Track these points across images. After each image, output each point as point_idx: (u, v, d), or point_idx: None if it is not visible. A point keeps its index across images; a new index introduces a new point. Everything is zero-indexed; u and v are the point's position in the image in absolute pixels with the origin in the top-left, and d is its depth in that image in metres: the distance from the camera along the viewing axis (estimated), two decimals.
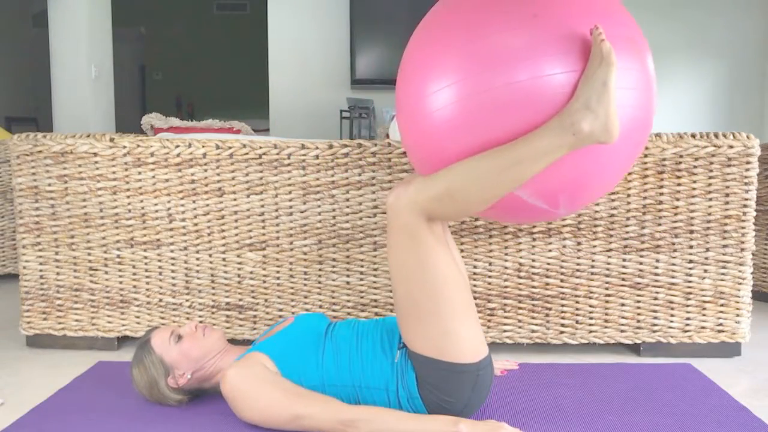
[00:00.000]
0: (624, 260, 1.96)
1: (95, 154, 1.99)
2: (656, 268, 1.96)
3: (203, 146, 1.96)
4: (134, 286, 2.04)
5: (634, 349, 2.04)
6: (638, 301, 1.97)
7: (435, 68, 1.31)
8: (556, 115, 1.23)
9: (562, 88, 1.24)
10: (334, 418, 1.38)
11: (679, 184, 1.93)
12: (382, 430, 1.35)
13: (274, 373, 1.47)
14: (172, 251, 2.02)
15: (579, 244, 1.96)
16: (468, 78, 1.26)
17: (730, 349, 2.00)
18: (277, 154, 1.96)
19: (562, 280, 1.97)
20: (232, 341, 2.02)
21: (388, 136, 2.06)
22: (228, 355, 1.59)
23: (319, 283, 2.01)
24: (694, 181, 1.93)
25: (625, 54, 1.28)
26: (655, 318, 1.98)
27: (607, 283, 1.97)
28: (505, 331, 2.00)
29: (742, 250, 1.95)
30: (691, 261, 1.96)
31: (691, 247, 1.95)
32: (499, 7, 1.29)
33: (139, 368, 1.57)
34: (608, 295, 1.98)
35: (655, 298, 1.97)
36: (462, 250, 1.97)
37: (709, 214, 1.94)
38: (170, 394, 1.57)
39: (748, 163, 1.91)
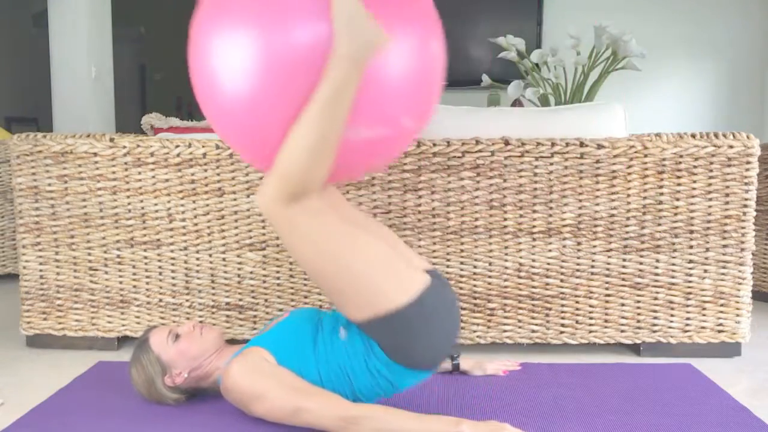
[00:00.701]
0: (624, 260, 1.96)
1: (95, 154, 1.99)
2: (656, 268, 1.96)
3: (203, 146, 1.96)
4: (134, 286, 2.04)
5: (634, 349, 2.04)
6: (638, 301, 1.97)
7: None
8: (331, 55, 1.24)
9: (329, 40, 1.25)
10: (335, 414, 1.38)
11: (679, 184, 1.93)
12: (383, 428, 1.35)
13: (274, 365, 1.47)
14: (172, 251, 2.02)
15: (579, 244, 1.96)
16: (259, 31, 1.26)
17: (730, 349, 2.00)
18: None
19: (562, 280, 1.97)
20: (233, 341, 2.02)
21: None
22: (225, 354, 1.60)
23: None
24: (694, 181, 1.93)
25: None
26: (655, 318, 1.98)
27: (607, 283, 1.97)
28: (505, 331, 2.00)
29: (742, 250, 1.95)
30: (691, 261, 1.96)
31: (691, 247, 1.95)
32: None
33: (137, 367, 1.57)
34: (608, 295, 1.98)
35: (655, 298, 1.97)
36: (462, 250, 1.97)
37: (709, 214, 1.94)
38: (167, 393, 1.57)
39: (748, 163, 1.91)
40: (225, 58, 1.28)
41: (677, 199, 1.93)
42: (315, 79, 1.26)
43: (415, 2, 1.37)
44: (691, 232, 1.95)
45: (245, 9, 1.27)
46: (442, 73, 1.42)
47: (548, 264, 1.97)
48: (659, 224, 1.95)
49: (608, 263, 1.96)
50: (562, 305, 1.98)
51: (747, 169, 1.92)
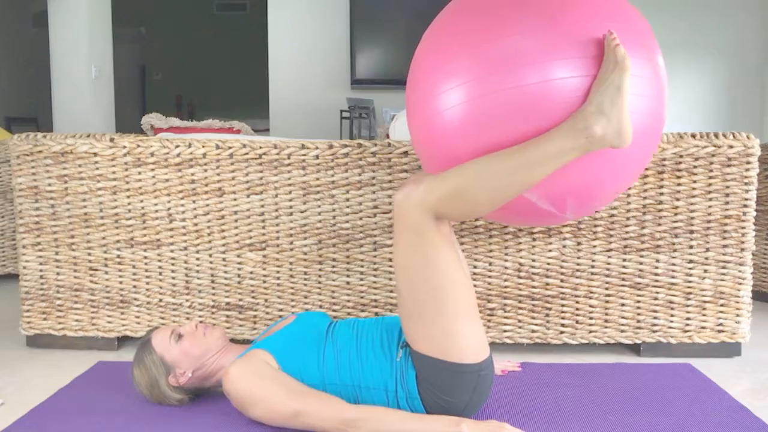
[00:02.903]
0: (624, 260, 1.96)
1: (95, 154, 1.99)
2: (656, 268, 1.96)
3: (203, 146, 1.96)
4: (134, 286, 2.04)
5: (634, 349, 2.04)
6: (638, 301, 1.97)
7: (446, 67, 1.31)
8: (569, 118, 1.23)
9: (575, 92, 1.24)
10: (335, 417, 1.38)
11: (679, 184, 1.93)
12: (383, 430, 1.35)
13: (276, 370, 1.47)
14: (172, 251, 2.02)
15: (579, 244, 1.96)
16: (479, 78, 1.26)
17: (730, 349, 2.00)
18: (277, 154, 1.96)
19: (562, 280, 1.97)
20: (232, 341, 2.02)
21: (388, 136, 2.06)
22: (228, 353, 1.59)
23: (319, 283, 2.01)
24: (694, 181, 1.93)
25: (639, 61, 1.27)
26: (655, 318, 1.98)
27: (607, 283, 1.97)
28: (505, 331, 2.00)
29: (742, 250, 1.95)
30: (691, 261, 1.96)
31: (691, 247, 1.95)
32: (516, 10, 1.29)
33: (140, 368, 1.57)
34: (608, 295, 1.98)
35: (655, 298, 1.97)
36: (462, 250, 1.96)
37: (709, 214, 1.94)
38: (171, 393, 1.57)
39: (748, 163, 1.91)
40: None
41: (677, 199, 1.93)
42: (535, 128, 1.25)
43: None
44: (691, 232, 1.95)
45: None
46: (624, 189, 1.44)
47: (548, 264, 1.97)
48: (659, 224, 1.95)
49: (608, 263, 1.96)
50: (562, 305, 1.98)
51: (747, 169, 1.92)
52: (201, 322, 2.04)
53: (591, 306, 1.98)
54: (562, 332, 1.99)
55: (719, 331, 1.98)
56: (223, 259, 2.01)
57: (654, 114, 1.32)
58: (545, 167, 1.24)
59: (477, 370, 1.41)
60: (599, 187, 1.35)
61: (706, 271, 1.96)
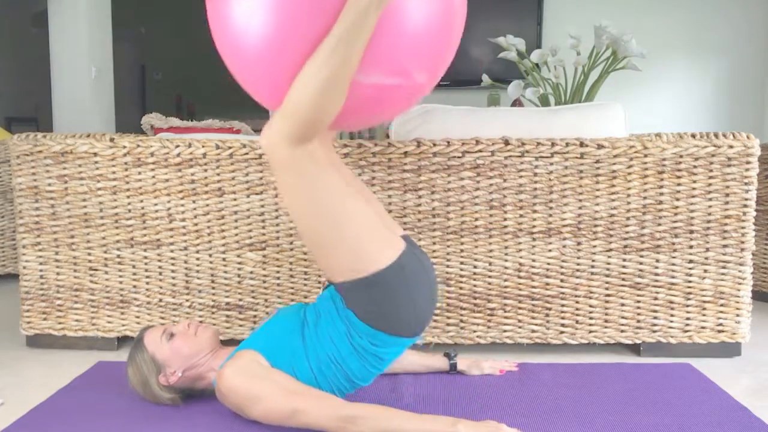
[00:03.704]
0: (624, 260, 1.96)
1: (95, 154, 1.99)
2: (656, 268, 1.96)
3: (203, 146, 1.96)
4: (134, 286, 2.04)
5: (634, 349, 2.04)
6: (638, 301, 1.97)
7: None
8: None
9: None
10: (332, 415, 1.38)
11: (679, 184, 1.93)
12: (381, 427, 1.35)
13: (267, 368, 1.47)
14: (172, 251, 2.02)
15: (579, 244, 1.96)
16: None
17: (730, 349, 2.00)
18: None
19: (562, 280, 1.97)
20: (232, 341, 2.02)
21: (388, 136, 2.05)
22: (220, 355, 1.59)
23: (319, 283, 2.01)
24: (694, 181, 1.93)
25: None
26: (655, 318, 1.98)
27: (607, 283, 1.97)
28: (505, 331, 2.00)
29: (742, 250, 1.95)
30: (691, 261, 1.96)
31: (691, 247, 1.95)
32: None
33: (132, 366, 1.58)
34: (608, 295, 1.98)
35: (655, 298, 1.97)
36: (462, 250, 1.97)
37: (709, 214, 1.94)
38: (161, 392, 1.57)
39: (748, 163, 1.91)
40: None
41: (677, 199, 1.93)
42: (332, 17, 1.24)
43: None
44: (691, 232, 1.95)
45: None
46: (461, 28, 1.41)
47: (548, 264, 1.97)
48: (659, 224, 1.95)
49: (608, 263, 1.96)
50: (562, 305, 1.98)
51: (747, 169, 1.92)
52: (201, 322, 2.03)
53: (591, 306, 1.98)
54: (562, 332, 1.99)
55: (719, 331, 1.98)
56: (223, 259, 2.01)
57: None
58: (357, 40, 1.23)
59: (398, 267, 1.40)
60: (414, 34, 1.31)
61: (706, 271, 1.96)
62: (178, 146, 1.97)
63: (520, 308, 1.99)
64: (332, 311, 1.48)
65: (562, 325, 1.99)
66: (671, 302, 1.97)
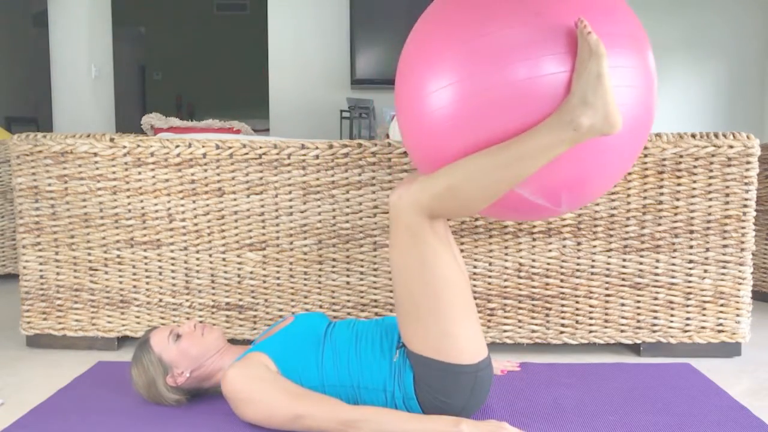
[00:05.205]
0: (624, 260, 1.96)
1: (95, 154, 1.99)
2: (656, 268, 1.96)
3: (203, 146, 1.96)
4: (134, 286, 2.04)
5: (634, 349, 2.04)
6: (638, 301, 1.97)
7: (435, 66, 1.31)
8: (555, 112, 1.23)
9: (563, 86, 1.24)
10: (334, 418, 1.38)
11: (679, 184, 1.93)
12: (383, 430, 1.35)
13: (275, 373, 1.47)
14: (172, 251, 2.02)
15: (579, 244, 1.96)
16: (468, 76, 1.26)
17: (730, 349, 2.00)
18: (277, 154, 1.96)
19: (562, 280, 1.97)
20: (232, 341, 2.02)
21: (388, 136, 2.06)
22: (227, 354, 1.59)
23: (319, 283, 2.01)
24: (694, 181, 1.93)
25: (624, 51, 1.28)
26: (655, 318, 1.98)
27: (607, 283, 1.97)
28: (505, 331, 2.00)
29: (742, 250, 1.95)
30: (691, 261, 1.96)
31: (691, 247, 1.95)
32: (501, 5, 1.29)
33: (138, 368, 1.57)
34: (608, 295, 1.98)
35: (655, 298, 1.97)
36: (462, 250, 1.96)
37: (709, 214, 1.94)
38: (168, 393, 1.57)
39: (748, 163, 1.91)
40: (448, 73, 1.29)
41: (677, 199, 1.93)
42: (524, 123, 1.24)
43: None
44: (691, 232, 1.95)
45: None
46: (617, 179, 1.43)
47: (548, 264, 1.97)
48: (659, 224, 1.95)
49: (608, 263, 1.96)
50: (562, 305, 1.98)
51: (747, 169, 1.92)
52: (201, 322, 2.04)
53: (591, 306, 1.98)
54: (562, 332, 1.99)
55: (719, 331, 1.98)
56: (223, 259, 2.01)
57: (643, 104, 1.32)
58: (535, 161, 1.24)
59: (474, 371, 1.41)
60: (591, 179, 1.35)
61: (706, 271, 1.96)
62: (178, 146, 1.97)
63: (520, 308, 1.99)
64: (384, 347, 1.48)
65: (562, 325, 1.99)
66: (671, 302, 1.97)
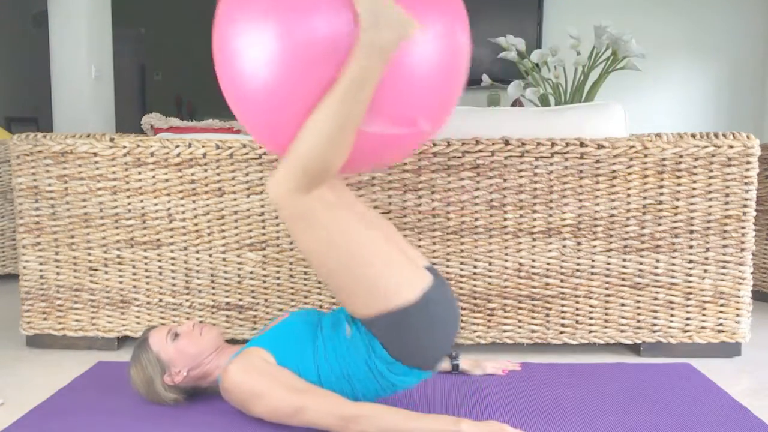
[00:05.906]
0: (624, 260, 1.96)
1: (95, 154, 1.99)
2: (656, 268, 1.96)
3: (203, 146, 1.96)
4: (134, 286, 2.04)
5: (634, 349, 2.04)
6: (638, 301, 1.97)
7: (244, 32, 1.31)
8: (356, 44, 1.23)
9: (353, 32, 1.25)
10: (336, 413, 1.38)
11: (679, 184, 1.93)
12: (383, 427, 1.35)
13: (275, 365, 1.47)
14: (172, 251, 2.02)
15: (579, 244, 1.96)
16: (269, 39, 1.26)
17: (730, 349, 2.00)
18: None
19: (562, 280, 1.97)
20: (232, 341, 2.02)
21: None
22: (224, 353, 1.60)
23: (319, 283, 2.01)
24: (694, 181, 1.93)
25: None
26: (655, 318, 1.98)
27: (607, 283, 1.97)
28: (505, 331, 2.00)
29: (742, 250, 1.95)
30: (691, 261, 1.96)
31: (691, 247, 1.95)
32: None
33: (136, 367, 1.58)
34: (608, 295, 1.98)
35: (655, 298, 1.97)
36: (462, 250, 1.97)
37: (709, 214, 1.94)
38: (166, 392, 1.57)
39: (748, 163, 1.91)
40: (248, 44, 1.29)
41: (677, 199, 1.93)
42: (336, 69, 1.25)
43: None
44: (691, 232, 1.95)
45: None
46: (465, 75, 1.41)
47: (548, 264, 1.97)
48: (659, 224, 1.95)
49: (608, 263, 1.96)
50: (562, 305, 1.98)
51: (747, 169, 1.92)
52: (200, 322, 2.04)
53: (591, 306, 1.98)
54: (562, 332, 1.99)
55: (719, 331, 1.98)
56: (223, 259, 2.01)
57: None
58: (362, 91, 1.24)
59: (423, 303, 1.39)
60: (420, 84, 1.32)
61: (706, 271, 1.96)
62: (178, 146, 1.97)
63: (520, 308, 1.99)
64: (356, 326, 1.48)
65: (562, 325, 1.99)
66: (671, 302, 1.97)
